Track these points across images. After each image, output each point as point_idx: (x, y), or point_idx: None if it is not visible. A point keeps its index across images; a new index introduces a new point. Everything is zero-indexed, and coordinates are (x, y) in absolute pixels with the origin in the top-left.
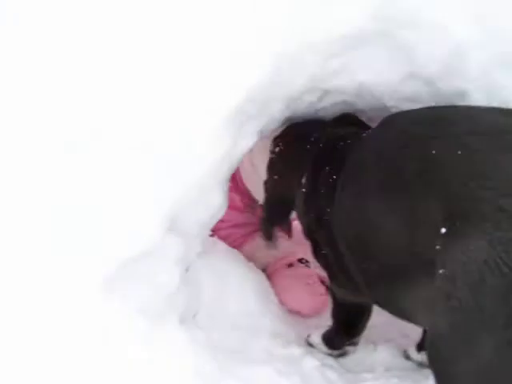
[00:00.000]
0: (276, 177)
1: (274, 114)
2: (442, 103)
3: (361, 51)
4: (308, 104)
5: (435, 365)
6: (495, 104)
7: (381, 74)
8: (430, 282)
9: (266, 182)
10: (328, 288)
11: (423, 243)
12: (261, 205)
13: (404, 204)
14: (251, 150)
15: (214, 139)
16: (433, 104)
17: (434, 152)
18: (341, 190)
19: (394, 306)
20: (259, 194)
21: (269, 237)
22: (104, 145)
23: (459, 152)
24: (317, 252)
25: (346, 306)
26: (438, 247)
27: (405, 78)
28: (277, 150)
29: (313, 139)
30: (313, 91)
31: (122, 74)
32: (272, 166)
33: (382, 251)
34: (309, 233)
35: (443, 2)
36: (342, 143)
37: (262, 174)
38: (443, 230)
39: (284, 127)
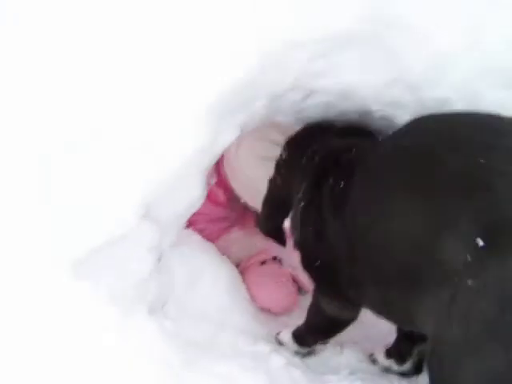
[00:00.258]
0: (278, 178)
1: (257, 110)
2: (426, 110)
3: (347, 53)
4: (292, 102)
5: (436, 373)
6: None
7: (366, 77)
8: (443, 288)
9: (270, 181)
10: (315, 301)
11: (448, 250)
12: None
13: (436, 205)
14: (240, 143)
15: (195, 130)
16: (417, 111)
17: (481, 161)
18: (360, 191)
19: (394, 310)
20: (236, 183)
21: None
22: (99, 137)
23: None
24: (308, 263)
25: (330, 319)
26: (469, 258)
27: (389, 82)
28: (281, 154)
29: (312, 152)
30: (297, 90)
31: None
32: (277, 168)
33: (401, 250)
34: (303, 244)
35: (431, 10)
36: (347, 153)
37: (245, 165)
38: (481, 243)
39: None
